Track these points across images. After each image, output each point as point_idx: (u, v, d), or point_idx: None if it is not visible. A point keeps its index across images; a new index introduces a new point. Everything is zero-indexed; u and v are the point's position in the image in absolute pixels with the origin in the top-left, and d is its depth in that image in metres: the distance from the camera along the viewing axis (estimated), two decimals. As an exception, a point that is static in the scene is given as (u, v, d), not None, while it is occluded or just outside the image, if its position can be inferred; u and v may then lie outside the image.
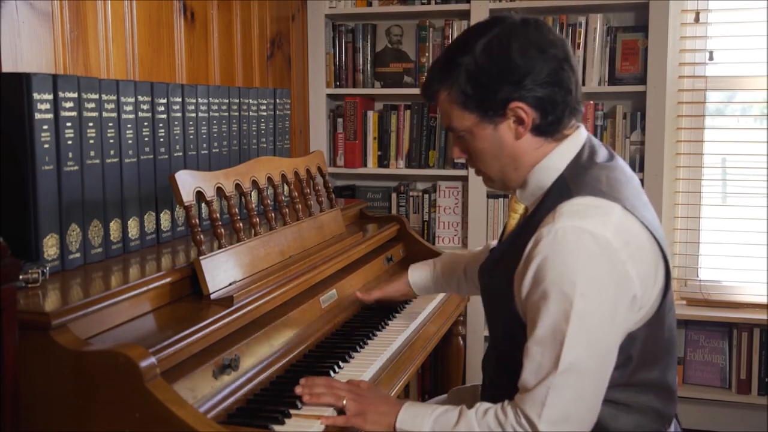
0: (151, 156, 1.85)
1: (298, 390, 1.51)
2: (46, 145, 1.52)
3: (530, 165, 1.48)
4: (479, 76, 1.43)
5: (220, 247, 1.67)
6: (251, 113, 2.33)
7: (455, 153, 1.57)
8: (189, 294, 1.63)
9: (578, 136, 1.50)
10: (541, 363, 1.33)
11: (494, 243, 1.76)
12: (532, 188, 1.50)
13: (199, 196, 1.67)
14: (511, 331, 1.46)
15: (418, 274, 2.09)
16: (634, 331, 1.40)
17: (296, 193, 2.11)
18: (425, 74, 1.58)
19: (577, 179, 1.43)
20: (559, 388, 1.31)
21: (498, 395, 1.42)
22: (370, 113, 3.44)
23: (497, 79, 1.42)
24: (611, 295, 1.34)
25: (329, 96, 3.48)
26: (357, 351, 1.82)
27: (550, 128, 1.46)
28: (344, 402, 1.48)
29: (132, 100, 1.77)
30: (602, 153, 1.51)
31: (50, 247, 1.54)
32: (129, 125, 1.76)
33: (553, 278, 1.33)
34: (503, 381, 1.49)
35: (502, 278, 1.48)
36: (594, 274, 1.33)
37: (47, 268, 1.47)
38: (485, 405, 1.40)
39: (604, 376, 1.36)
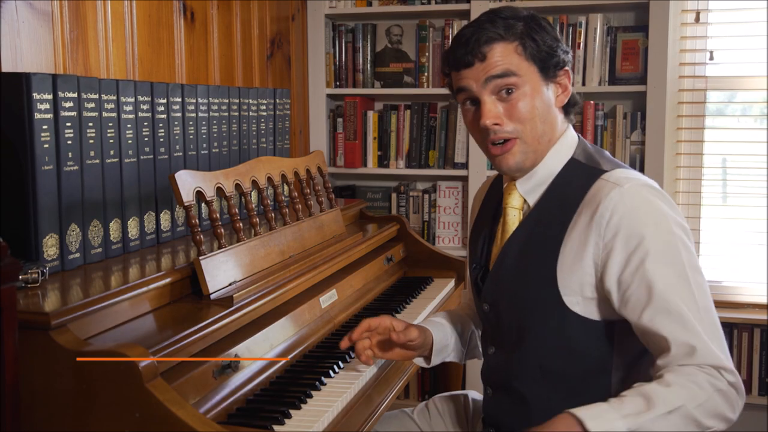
0: (151, 156, 1.85)
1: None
2: (46, 145, 1.52)
3: (553, 141, 1.50)
4: (542, 34, 1.46)
5: (220, 247, 1.67)
6: (251, 113, 2.33)
7: (491, 115, 1.43)
8: (189, 294, 1.63)
9: (572, 130, 1.56)
10: (684, 314, 1.31)
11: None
12: (540, 175, 1.49)
13: (199, 196, 1.67)
14: (564, 326, 1.42)
15: (436, 330, 1.70)
16: None
17: (296, 193, 2.11)
18: (475, 32, 1.45)
19: (599, 159, 1.48)
20: (712, 326, 1.32)
21: (545, 406, 1.40)
22: (370, 113, 3.44)
23: (554, 41, 1.48)
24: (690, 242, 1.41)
25: (329, 96, 3.48)
26: (357, 351, 1.82)
27: (571, 108, 1.53)
28: None
29: (132, 100, 1.77)
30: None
31: (50, 247, 1.54)
32: (129, 125, 1.76)
33: (652, 233, 1.35)
34: (544, 392, 1.46)
35: (538, 275, 1.43)
36: (679, 220, 1.39)
37: (47, 268, 1.47)
38: (666, 376, 1.28)
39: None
